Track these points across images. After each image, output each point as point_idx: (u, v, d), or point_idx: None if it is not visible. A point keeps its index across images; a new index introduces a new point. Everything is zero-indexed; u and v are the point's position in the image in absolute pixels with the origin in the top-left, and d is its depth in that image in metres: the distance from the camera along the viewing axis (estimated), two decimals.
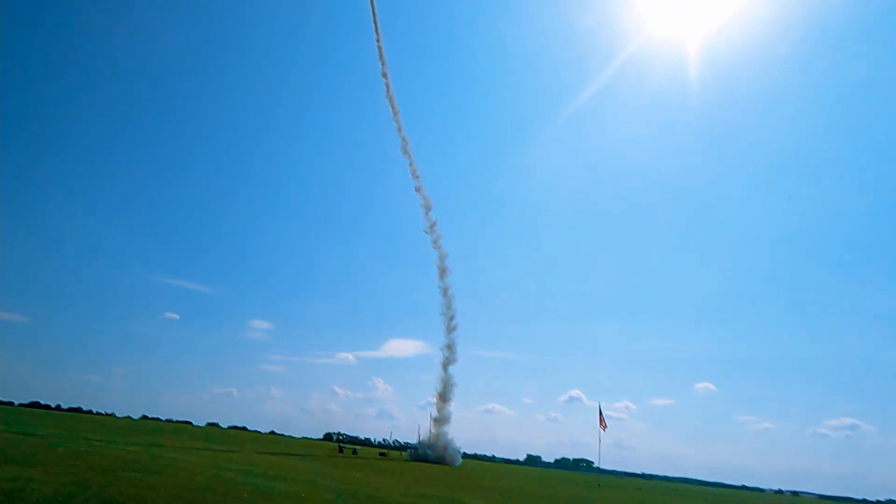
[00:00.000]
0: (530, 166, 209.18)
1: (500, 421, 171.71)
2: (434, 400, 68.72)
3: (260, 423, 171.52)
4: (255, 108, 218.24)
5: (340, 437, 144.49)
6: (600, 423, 60.55)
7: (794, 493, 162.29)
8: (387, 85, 60.95)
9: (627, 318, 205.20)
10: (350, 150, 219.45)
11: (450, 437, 67.15)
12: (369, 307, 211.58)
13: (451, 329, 66.77)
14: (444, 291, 66.85)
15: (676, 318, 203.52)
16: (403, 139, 63.65)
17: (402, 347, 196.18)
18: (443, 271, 66.66)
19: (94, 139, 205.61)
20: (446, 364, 67.02)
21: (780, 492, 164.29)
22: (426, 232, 66.20)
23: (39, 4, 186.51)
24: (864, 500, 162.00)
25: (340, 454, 61.57)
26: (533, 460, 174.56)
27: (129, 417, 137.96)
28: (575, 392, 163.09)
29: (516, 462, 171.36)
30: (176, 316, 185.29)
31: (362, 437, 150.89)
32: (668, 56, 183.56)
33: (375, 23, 58.28)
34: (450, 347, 66.70)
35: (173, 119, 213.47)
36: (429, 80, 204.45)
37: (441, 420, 67.26)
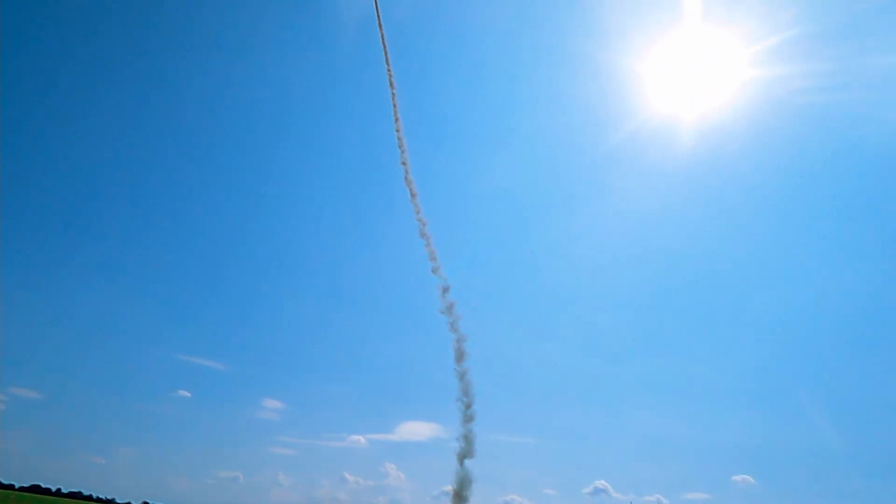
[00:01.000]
0: (549, 242, 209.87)
1: None
2: (450, 490, 63.42)
3: None
4: (270, 185, 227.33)
5: None
6: None
7: None
8: (406, 170, 63.08)
9: (656, 402, 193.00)
10: (367, 230, 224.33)
11: None
12: (384, 386, 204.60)
13: (468, 418, 62.90)
14: (462, 376, 63.92)
15: (709, 403, 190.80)
16: (421, 221, 64.60)
17: (416, 430, 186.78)
18: (460, 355, 64.33)
19: (106, 215, 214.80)
20: (463, 457, 62.41)
21: None
22: (442, 312, 64.97)
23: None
24: None
25: None
26: None
27: None
28: (601, 483, 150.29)
29: None
30: (188, 394, 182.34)
31: None
32: (671, 132, 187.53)
33: (396, 115, 61.38)
34: (467, 438, 62.48)
35: (186, 195, 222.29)
36: (438, 153, 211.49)
37: None
